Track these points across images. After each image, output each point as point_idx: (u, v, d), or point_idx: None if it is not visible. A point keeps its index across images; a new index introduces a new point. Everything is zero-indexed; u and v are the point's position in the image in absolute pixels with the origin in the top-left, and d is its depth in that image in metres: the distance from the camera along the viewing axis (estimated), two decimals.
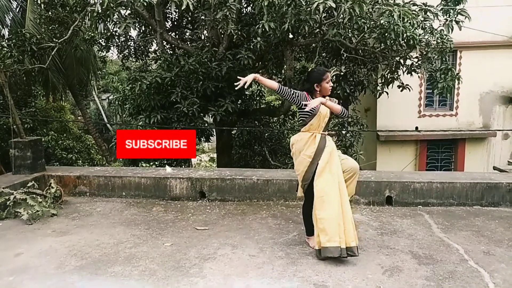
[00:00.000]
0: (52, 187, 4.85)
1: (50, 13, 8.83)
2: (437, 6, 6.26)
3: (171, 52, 8.29)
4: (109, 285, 3.02)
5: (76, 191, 5.27)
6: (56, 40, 7.63)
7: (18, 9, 12.76)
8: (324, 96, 3.56)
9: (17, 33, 7.72)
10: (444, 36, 6.25)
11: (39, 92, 12.67)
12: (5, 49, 7.46)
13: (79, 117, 17.65)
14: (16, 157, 5.22)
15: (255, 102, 9.05)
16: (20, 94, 10.53)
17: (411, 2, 5.98)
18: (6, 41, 8.08)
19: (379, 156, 10.96)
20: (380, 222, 4.31)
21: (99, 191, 5.23)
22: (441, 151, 11.24)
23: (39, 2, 12.21)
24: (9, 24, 12.15)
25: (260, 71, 9.06)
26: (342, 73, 7.70)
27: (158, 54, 7.72)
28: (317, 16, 5.67)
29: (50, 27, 8.39)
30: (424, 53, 6.67)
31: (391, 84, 7.45)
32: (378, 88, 7.68)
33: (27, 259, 3.48)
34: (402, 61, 7.05)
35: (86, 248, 3.68)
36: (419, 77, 7.81)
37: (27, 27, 10.85)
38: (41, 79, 12.37)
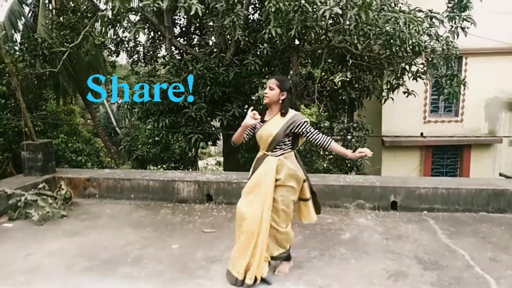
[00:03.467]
0: (62, 189, 4.95)
1: (61, 18, 9.00)
2: (442, 12, 6.31)
3: (180, 57, 8.39)
4: (118, 286, 3.09)
5: (86, 193, 5.36)
6: (67, 45, 7.78)
7: (30, 14, 13.01)
8: (281, 110, 3.04)
9: (29, 38, 7.90)
10: (450, 43, 6.29)
11: (50, 96, 12.84)
12: (18, 53, 7.65)
13: (88, 120, 17.87)
14: (28, 159, 5.33)
15: (261, 107, 9.12)
16: (31, 97, 10.68)
17: (416, 9, 6.03)
18: (19, 45, 8.27)
19: (384, 161, 10.95)
20: (385, 227, 4.34)
21: (108, 193, 5.32)
22: (447, 157, 11.21)
23: (50, 7, 12.46)
24: (21, 29, 12.40)
25: (266, 76, 9.15)
26: (347, 79, 7.75)
27: (166, 59, 7.82)
28: (323, 22, 5.74)
29: (62, 32, 8.54)
30: (430, 59, 6.71)
31: (396, 90, 7.48)
32: (384, 94, 7.71)
33: (37, 259, 3.56)
34: (407, 67, 7.09)
35: (95, 249, 3.75)
36: (424, 83, 7.84)
37: (39, 32, 11.06)
38: (52, 83, 12.56)
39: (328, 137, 3.03)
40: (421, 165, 11.07)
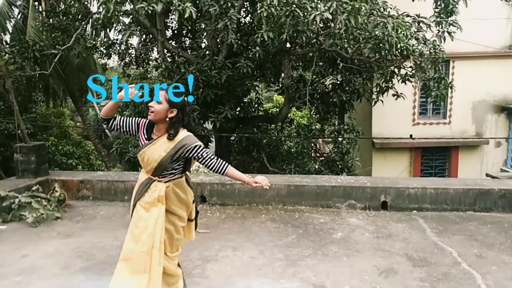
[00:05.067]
0: (56, 191, 4.96)
1: (51, 20, 8.98)
2: (430, 17, 6.48)
3: (172, 60, 8.43)
4: None
5: (79, 195, 5.36)
6: (59, 47, 7.76)
7: (19, 16, 12.90)
8: (168, 131, 2.54)
9: (21, 40, 7.86)
10: (437, 46, 6.46)
11: (39, 98, 12.76)
12: (8, 55, 7.61)
13: (78, 123, 17.73)
14: (21, 161, 5.32)
15: (253, 109, 9.19)
16: (21, 100, 10.62)
17: (404, 14, 6.19)
18: (9, 47, 8.21)
19: (375, 163, 11.11)
20: (376, 226, 4.45)
21: (102, 195, 5.33)
22: (435, 158, 11.43)
23: (40, 9, 12.38)
24: (10, 31, 12.30)
25: (258, 79, 9.24)
26: (338, 82, 7.88)
27: (159, 62, 7.85)
28: (314, 26, 5.85)
29: (53, 35, 8.52)
30: (418, 62, 6.87)
31: (386, 93, 7.64)
32: (374, 96, 7.86)
33: (33, 260, 3.59)
34: (396, 70, 7.24)
35: (91, 250, 3.79)
36: (413, 86, 8.01)
37: (29, 34, 10.98)
38: (42, 85, 12.49)
39: (225, 162, 2.58)
40: (410, 166, 11.26)
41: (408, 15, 6.23)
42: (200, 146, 2.55)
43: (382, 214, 4.85)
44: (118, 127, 2.63)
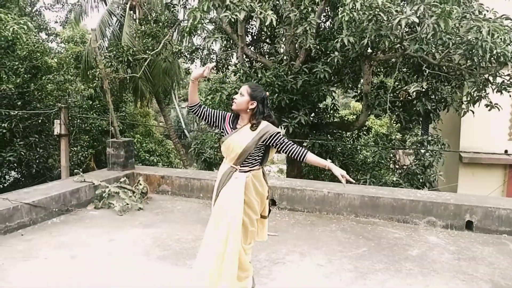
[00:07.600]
0: (140, 184, 5.39)
1: (143, 27, 9.82)
2: None
3: (249, 65, 8.67)
4: (188, 276, 3.28)
5: (160, 189, 5.76)
6: (149, 52, 8.45)
7: (116, 23, 14.38)
8: (251, 121, 2.76)
9: (117, 46, 8.74)
10: None
11: (129, 99, 13.99)
12: (106, 59, 8.49)
13: (161, 123, 19.11)
14: (112, 155, 5.89)
15: (328, 116, 9.04)
16: (113, 99, 11.73)
17: (503, 17, 5.62)
18: (107, 52, 9.17)
19: (461, 179, 10.17)
20: (458, 247, 4.09)
21: (180, 191, 5.67)
22: None
23: (134, 17, 13.64)
24: (108, 37, 13.77)
25: (335, 85, 9.08)
26: (423, 90, 7.38)
27: (237, 67, 8.12)
28: (398, 31, 5.60)
29: (144, 41, 9.31)
30: None
31: (478, 103, 6.98)
32: (463, 106, 7.23)
33: (119, 245, 3.96)
34: (491, 78, 6.58)
35: (168, 241, 4.05)
36: (510, 96, 7.19)
37: (123, 39, 12.19)
38: (132, 87, 13.72)
39: (304, 148, 2.73)
40: (504, 185, 10.10)
41: (508, 18, 5.64)
42: (280, 133, 2.75)
43: (466, 234, 4.44)
44: (206, 115, 2.87)
